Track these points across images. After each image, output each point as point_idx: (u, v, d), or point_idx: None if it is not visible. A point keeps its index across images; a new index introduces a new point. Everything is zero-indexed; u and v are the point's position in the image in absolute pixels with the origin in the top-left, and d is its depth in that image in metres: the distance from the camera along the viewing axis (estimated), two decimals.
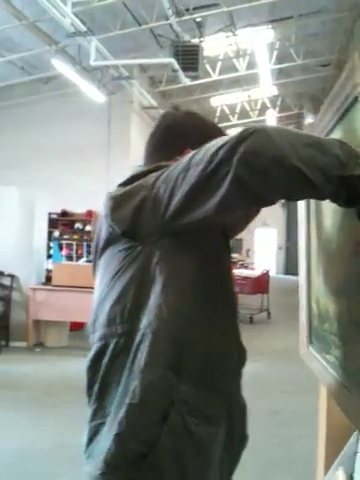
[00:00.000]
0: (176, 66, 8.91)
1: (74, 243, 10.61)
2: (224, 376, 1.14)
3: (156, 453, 1.03)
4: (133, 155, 11.94)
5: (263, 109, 16.36)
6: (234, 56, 12.24)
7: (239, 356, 1.20)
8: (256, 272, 10.66)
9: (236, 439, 1.21)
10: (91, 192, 11.44)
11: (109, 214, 1.17)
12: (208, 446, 1.09)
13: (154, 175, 1.14)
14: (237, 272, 10.23)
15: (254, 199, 1.02)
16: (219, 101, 15.20)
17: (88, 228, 11.78)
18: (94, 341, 1.18)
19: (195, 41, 9.50)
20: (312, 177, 0.91)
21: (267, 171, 0.92)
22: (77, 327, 7.64)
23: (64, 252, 9.88)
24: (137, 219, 1.12)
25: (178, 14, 8.83)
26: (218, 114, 16.26)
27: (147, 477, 1.04)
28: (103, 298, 1.18)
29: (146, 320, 1.08)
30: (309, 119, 13.65)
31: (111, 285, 1.16)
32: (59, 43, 9.48)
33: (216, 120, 16.66)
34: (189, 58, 8.98)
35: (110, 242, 1.19)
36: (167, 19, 8.61)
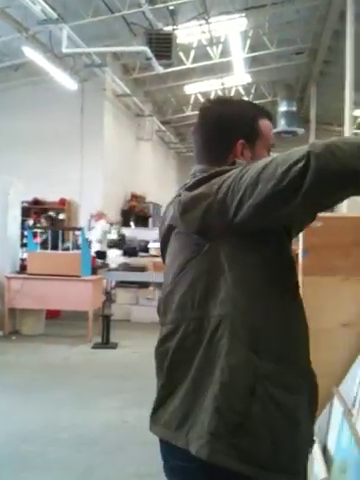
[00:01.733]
0: (150, 54, 8.86)
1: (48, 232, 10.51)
2: (297, 351, 1.30)
3: (250, 421, 1.19)
4: (107, 142, 11.88)
5: (237, 97, 16.38)
6: (208, 44, 12.21)
7: (305, 334, 1.35)
8: None
9: (314, 406, 1.35)
10: (64, 180, 11.37)
11: (179, 217, 1.28)
12: (294, 411, 1.24)
13: (216, 182, 1.22)
14: None
15: (321, 209, 1.21)
16: (193, 89, 15.17)
17: (61, 216, 11.71)
18: (165, 322, 1.36)
19: (168, 29, 9.45)
20: None
21: (334, 189, 1.08)
22: (53, 315, 7.64)
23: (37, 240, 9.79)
24: (205, 222, 1.23)
25: (151, 2, 8.76)
26: (192, 102, 16.23)
27: (245, 442, 1.20)
28: (174, 286, 1.33)
29: (221, 310, 1.23)
30: (283, 107, 13.73)
31: (182, 275, 1.30)
32: (29, 30, 9.30)
33: (190, 108, 16.68)
34: (162, 46, 8.94)
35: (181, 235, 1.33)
36: (140, 7, 8.54)
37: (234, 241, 1.23)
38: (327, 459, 2.23)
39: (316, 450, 2.19)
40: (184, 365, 1.29)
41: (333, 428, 2.22)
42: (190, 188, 1.27)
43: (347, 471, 1.81)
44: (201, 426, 1.21)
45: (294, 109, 13.85)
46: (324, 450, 2.33)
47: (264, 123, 1.38)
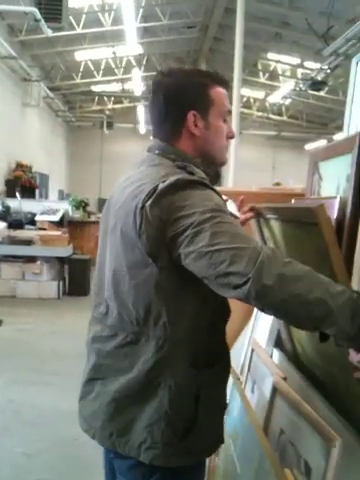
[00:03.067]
0: (38, 15, 8.36)
1: None
2: (224, 347, 1.46)
3: (197, 424, 1.30)
4: None
5: (128, 67, 16.11)
6: (99, 10, 11.81)
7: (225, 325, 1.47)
8: None
9: None
10: None
11: (142, 225, 1.21)
12: (225, 402, 1.46)
13: (179, 219, 1.17)
14: None
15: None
16: (83, 55, 14.64)
17: None
18: (100, 317, 1.40)
19: None
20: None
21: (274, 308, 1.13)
22: None
23: None
24: (158, 247, 1.21)
25: None
26: (82, 69, 15.70)
27: (194, 442, 1.30)
28: (115, 288, 1.33)
29: (164, 332, 1.26)
30: None
31: (123, 281, 1.30)
32: None
33: (80, 75, 16.12)
34: (52, 8, 8.47)
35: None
36: None
37: (178, 273, 1.23)
38: None
39: None
40: (118, 373, 1.33)
41: None
42: (157, 199, 1.19)
43: (238, 438, 1.87)
44: (149, 437, 1.28)
45: None
46: None
47: (216, 90, 1.34)
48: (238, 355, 2.45)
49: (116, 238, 1.31)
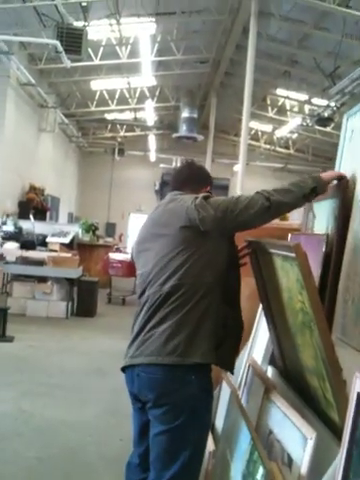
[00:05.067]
0: (60, 48, 8.84)
1: None
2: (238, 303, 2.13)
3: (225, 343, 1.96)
4: (7, 130, 11.57)
5: (142, 98, 16.66)
6: (117, 43, 12.35)
7: None
8: (129, 256, 10.99)
9: None
10: None
11: (198, 218, 1.92)
12: None
13: (215, 202, 1.95)
14: (112, 256, 10.49)
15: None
16: (99, 85, 15.19)
17: None
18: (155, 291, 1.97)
19: (79, 24, 9.48)
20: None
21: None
22: None
23: None
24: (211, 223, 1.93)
25: None
26: (97, 98, 16.24)
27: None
28: (167, 262, 1.95)
29: (210, 278, 1.96)
30: (185, 113, 14.23)
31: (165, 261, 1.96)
32: None
33: (95, 104, 16.68)
34: (73, 41, 8.95)
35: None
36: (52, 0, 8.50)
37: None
38: (215, 435, 2.56)
39: None
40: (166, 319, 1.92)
41: (221, 408, 2.55)
42: (203, 199, 1.95)
43: (232, 439, 2.13)
44: (196, 348, 1.88)
45: (195, 116, 14.41)
46: (212, 428, 2.66)
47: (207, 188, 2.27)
48: (237, 372, 2.72)
49: (164, 236, 1.98)
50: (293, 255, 1.59)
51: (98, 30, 11.16)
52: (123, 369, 2.05)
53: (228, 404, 2.26)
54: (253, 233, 2.64)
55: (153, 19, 11.08)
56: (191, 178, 2.21)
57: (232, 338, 2.00)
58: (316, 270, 1.92)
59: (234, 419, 2.08)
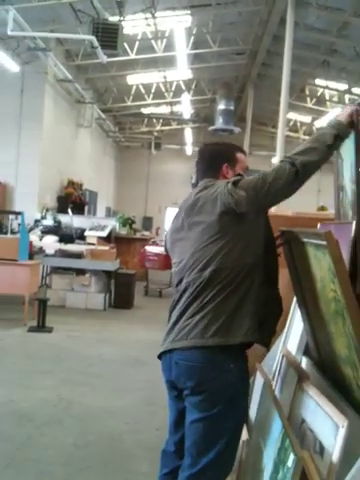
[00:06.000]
0: (96, 43, 8.92)
1: None
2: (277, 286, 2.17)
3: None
4: (46, 126, 11.79)
5: (178, 91, 16.67)
6: (152, 37, 12.37)
7: None
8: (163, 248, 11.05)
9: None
10: (1, 163, 11.22)
11: (232, 200, 1.90)
12: None
13: (245, 182, 1.94)
14: (148, 249, 10.58)
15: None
16: (135, 79, 15.28)
17: None
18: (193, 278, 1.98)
19: (114, 19, 9.55)
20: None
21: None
22: None
23: None
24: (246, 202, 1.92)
25: None
26: (133, 92, 16.34)
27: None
28: (203, 252, 1.96)
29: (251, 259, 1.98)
30: (222, 105, 14.15)
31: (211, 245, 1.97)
32: None
33: (131, 98, 16.79)
34: (109, 36, 9.02)
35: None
36: None
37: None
38: (248, 425, 2.56)
39: None
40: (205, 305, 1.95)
41: (255, 398, 2.55)
42: (233, 183, 1.93)
43: (265, 429, 2.14)
44: (239, 328, 1.90)
45: (232, 108, 14.30)
46: (246, 417, 2.67)
47: (239, 155, 2.20)
48: (272, 362, 2.72)
49: (200, 223, 1.98)
50: (324, 243, 1.58)
51: (134, 25, 11.22)
52: (160, 356, 2.07)
53: (261, 394, 2.26)
54: (288, 223, 2.62)
55: (188, 12, 11.06)
56: (208, 164, 2.20)
57: (272, 317, 2.05)
58: (347, 258, 1.90)
59: (267, 409, 2.09)
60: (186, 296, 1.97)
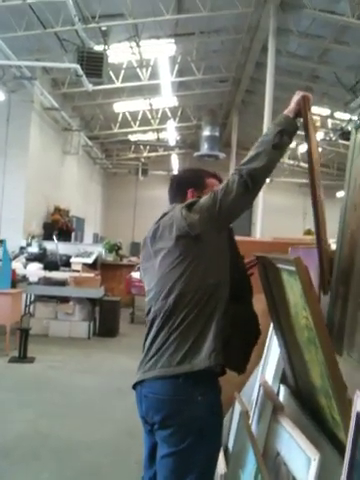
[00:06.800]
0: (80, 71, 9.00)
1: None
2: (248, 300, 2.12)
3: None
4: (32, 154, 11.79)
5: (164, 118, 16.82)
6: (138, 65, 12.53)
7: None
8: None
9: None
10: None
11: (186, 224, 1.86)
12: None
13: (198, 205, 1.89)
14: (134, 275, 10.48)
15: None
16: (121, 107, 15.41)
17: None
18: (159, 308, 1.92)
19: (99, 48, 9.66)
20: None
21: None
22: None
23: None
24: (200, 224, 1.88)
25: (84, 21, 8.94)
26: (120, 119, 16.45)
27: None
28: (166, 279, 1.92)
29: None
30: (207, 131, 14.28)
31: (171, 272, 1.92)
32: None
33: (118, 126, 16.90)
34: (94, 65, 9.12)
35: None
36: (73, 25, 8.69)
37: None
38: (227, 457, 2.48)
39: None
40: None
41: (234, 429, 2.47)
42: (187, 207, 1.90)
43: (243, 466, 2.06)
44: (204, 351, 1.82)
45: (217, 134, 14.43)
46: (226, 449, 2.58)
47: (210, 180, 2.14)
48: (251, 391, 2.65)
49: (162, 250, 1.93)
50: (294, 269, 1.54)
51: (118, 53, 11.35)
52: (134, 387, 2.01)
53: (237, 425, 2.18)
54: (266, 248, 2.58)
55: (172, 40, 11.23)
56: (175, 191, 2.16)
57: (240, 336, 1.92)
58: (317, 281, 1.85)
59: (242, 441, 2.01)
60: (155, 325, 1.91)
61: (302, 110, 1.83)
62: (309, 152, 1.86)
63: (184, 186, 2.11)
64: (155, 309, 1.92)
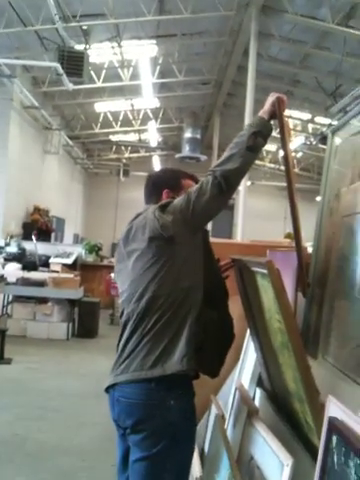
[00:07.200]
0: (61, 70, 8.94)
1: None
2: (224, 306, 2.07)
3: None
4: (11, 153, 11.66)
5: (145, 119, 16.79)
6: (119, 66, 12.49)
7: None
8: None
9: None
10: None
11: (159, 226, 1.84)
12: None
13: (171, 206, 1.87)
14: (114, 276, 10.44)
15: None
16: (103, 107, 15.34)
17: None
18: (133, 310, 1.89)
19: (80, 47, 9.61)
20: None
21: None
22: None
23: None
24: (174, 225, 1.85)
25: (65, 20, 8.88)
26: (101, 120, 16.38)
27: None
28: (140, 280, 1.89)
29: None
30: (188, 133, 14.30)
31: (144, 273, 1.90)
32: None
33: (99, 126, 16.82)
34: (74, 64, 9.06)
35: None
36: (53, 23, 8.62)
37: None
38: (203, 460, 2.47)
39: (195, 452, 2.43)
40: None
41: (209, 432, 2.47)
42: (161, 208, 1.87)
43: (218, 471, 2.06)
44: (177, 355, 1.80)
45: (198, 136, 14.45)
46: (201, 452, 2.58)
47: (186, 181, 2.09)
48: (227, 395, 2.65)
49: (134, 251, 1.91)
50: (266, 272, 1.54)
51: (100, 53, 11.30)
52: (107, 390, 1.99)
53: (212, 428, 2.18)
54: (243, 251, 2.58)
55: (154, 41, 11.21)
56: (150, 191, 2.13)
57: (213, 341, 1.90)
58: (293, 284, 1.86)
59: (217, 445, 2.01)
60: (128, 327, 1.89)
61: (277, 112, 1.82)
62: (285, 153, 1.87)
63: (159, 186, 2.08)
64: (128, 311, 1.90)
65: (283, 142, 1.84)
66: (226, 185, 1.76)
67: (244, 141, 1.79)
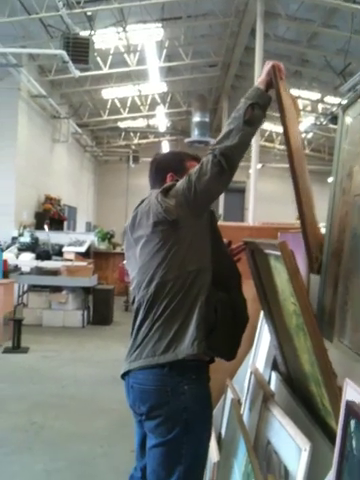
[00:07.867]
0: (66, 58, 8.86)
1: None
2: (229, 279, 2.02)
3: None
4: (20, 143, 11.66)
5: (153, 104, 16.67)
6: (125, 51, 12.37)
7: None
8: None
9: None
10: None
11: (163, 211, 1.81)
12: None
13: (175, 189, 1.84)
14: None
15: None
16: (110, 94, 15.24)
17: None
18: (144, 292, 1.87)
19: (85, 34, 9.51)
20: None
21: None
22: None
23: None
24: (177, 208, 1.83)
25: (69, 6, 8.78)
26: (109, 106, 16.29)
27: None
28: (149, 264, 1.88)
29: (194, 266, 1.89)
30: (197, 117, 14.16)
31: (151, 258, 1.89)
32: None
33: (107, 112, 16.74)
34: (80, 50, 8.97)
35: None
36: (57, 10, 8.53)
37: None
38: (220, 445, 2.47)
39: (212, 436, 2.43)
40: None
41: (226, 416, 2.46)
42: (163, 192, 1.84)
43: (235, 455, 2.05)
44: (188, 340, 1.77)
45: (207, 120, 14.31)
46: (219, 437, 2.57)
47: (190, 163, 2.02)
48: (243, 379, 2.63)
49: (141, 238, 1.89)
50: (279, 254, 1.51)
51: (105, 39, 11.19)
52: (123, 377, 1.99)
53: (228, 413, 2.17)
54: (254, 234, 2.55)
55: (159, 25, 11.07)
56: (155, 176, 2.07)
57: (225, 323, 1.84)
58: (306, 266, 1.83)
59: (233, 429, 2.00)
60: (140, 314, 1.88)
61: (274, 80, 1.74)
62: (284, 127, 1.76)
63: (163, 170, 2.03)
64: (138, 298, 1.89)
65: (282, 114, 1.73)
66: (226, 163, 1.71)
67: (241, 115, 1.72)
